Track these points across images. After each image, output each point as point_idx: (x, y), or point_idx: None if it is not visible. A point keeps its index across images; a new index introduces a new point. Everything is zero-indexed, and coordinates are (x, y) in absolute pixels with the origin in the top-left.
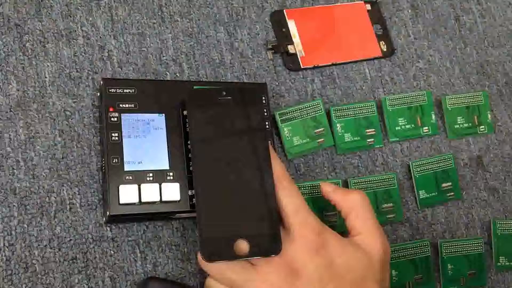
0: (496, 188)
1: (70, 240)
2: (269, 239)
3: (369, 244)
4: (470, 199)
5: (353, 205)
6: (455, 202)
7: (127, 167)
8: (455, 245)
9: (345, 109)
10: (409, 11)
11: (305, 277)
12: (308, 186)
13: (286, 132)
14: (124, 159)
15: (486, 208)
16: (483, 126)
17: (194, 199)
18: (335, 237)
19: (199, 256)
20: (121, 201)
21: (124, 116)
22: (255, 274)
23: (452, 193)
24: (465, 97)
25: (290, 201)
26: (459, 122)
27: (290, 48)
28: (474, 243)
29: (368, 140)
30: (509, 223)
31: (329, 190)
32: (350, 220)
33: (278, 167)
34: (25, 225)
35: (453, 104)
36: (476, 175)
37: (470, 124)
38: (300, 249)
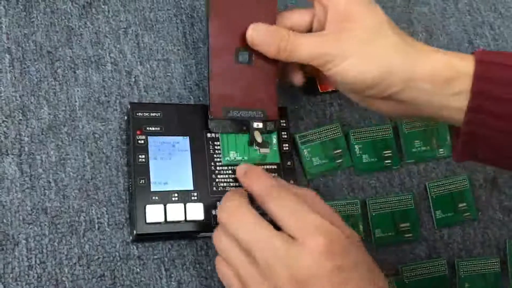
0: (511, 208)
1: (99, 258)
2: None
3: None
4: (485, 219)
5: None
6: (471, 222)
7: (153, 188)
8: (471, 264)
9: (363, 131)
10: (424, 34)
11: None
12: None
13: (306, 153)
14: (151, 180)
15: (502, 228)
16: None
17: (215, 211)
18: (339, 234)
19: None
20: (148, 220)
21: (150, 139)
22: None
23: (468, 213)
24: None
25: (283, 208)
26: None
27: None
28: (490, 262)
29: (386, 161)
30: None
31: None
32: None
33: (262, 185)
34: (56, 244)
35: None
36: (491, 196)
37: None
38: (307, 256)
